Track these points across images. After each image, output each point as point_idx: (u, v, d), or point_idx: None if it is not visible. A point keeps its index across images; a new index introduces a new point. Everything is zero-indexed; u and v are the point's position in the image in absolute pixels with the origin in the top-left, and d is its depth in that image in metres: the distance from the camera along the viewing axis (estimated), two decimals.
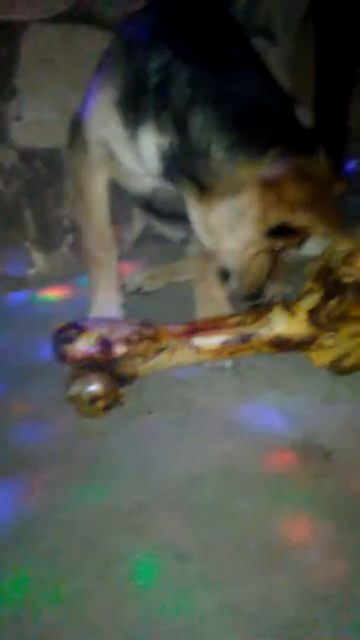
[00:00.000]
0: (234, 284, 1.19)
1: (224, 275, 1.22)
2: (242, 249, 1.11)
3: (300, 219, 1.02)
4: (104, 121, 1.17)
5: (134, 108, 1.11)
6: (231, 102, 1.04)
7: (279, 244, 1.11)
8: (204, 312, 1.25)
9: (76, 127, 1.26)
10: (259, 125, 1.03)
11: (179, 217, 1.37)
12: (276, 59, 1.88)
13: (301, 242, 1.12)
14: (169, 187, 1.19)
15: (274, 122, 1.04)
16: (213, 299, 1.26)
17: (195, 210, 1.13)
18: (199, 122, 1.04)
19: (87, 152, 1.24)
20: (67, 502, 0.90)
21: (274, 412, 1.09)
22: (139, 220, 1.79)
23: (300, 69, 1.93)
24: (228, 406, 1.11)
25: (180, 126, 1.07)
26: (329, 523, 0.86)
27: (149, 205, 1.43)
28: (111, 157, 1.21)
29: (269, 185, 1.01)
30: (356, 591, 0.75)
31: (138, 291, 1.53)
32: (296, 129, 1.07)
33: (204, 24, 1.15)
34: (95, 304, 1.31)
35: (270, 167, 1.01)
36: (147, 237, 1.79)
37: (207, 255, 1.25)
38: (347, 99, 1.76)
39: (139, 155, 1.16)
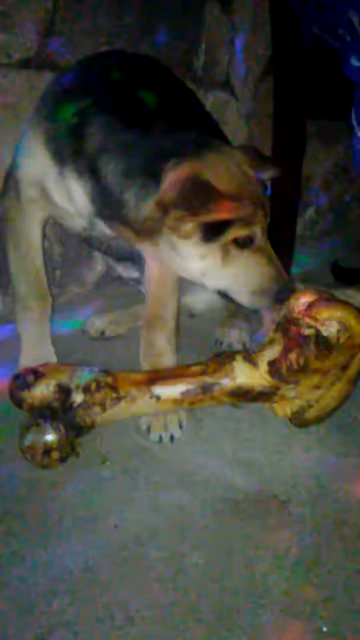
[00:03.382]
0: (235, 299, 1.17)
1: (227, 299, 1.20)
2: (200, 267, 1.11)
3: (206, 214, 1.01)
4: (34, 158, 1.17)
5: (59, 149, 1.12)
6: (139, 147, 1.05)
7: (230, 235, 1.08)
8: (147, 364, 1.22)
9: (10, 170, 1.25)
10: (164, 164, 1.03)
11: (125, 257, 1.38)
12: (235, 111, 1.96)
13: (247, 221, 1.08)
14: (105, 230, 1.19)
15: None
16: (157, 352, 1.22)
17: (144, 251, 1.16)
18: (110, 170, 1.06)
19: (20, 192, 1.22)
20: (8, 560, 0.85)
21: (230, 461, 1.08)
22: (101, 261, 1.79)
23: (258, 122, 2.01)
24: (183, 454, 1.09)
25: (95, 172, 1.08)
26: (284, 579, 0.84)
27: (90, 244, 1.40)
28: (45, 196, 1.20)
29: (164, 203, 1.02)
30: None
31: (101, 336, 1.51)
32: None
33: (129, 76, 1.17)
34: (26, 355, 1.24)
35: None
36: (109, 278, 1.79)
37: (152, 307, 1.26)
38: (301, 152, 1.84)
39: (69, 193, 1.16)
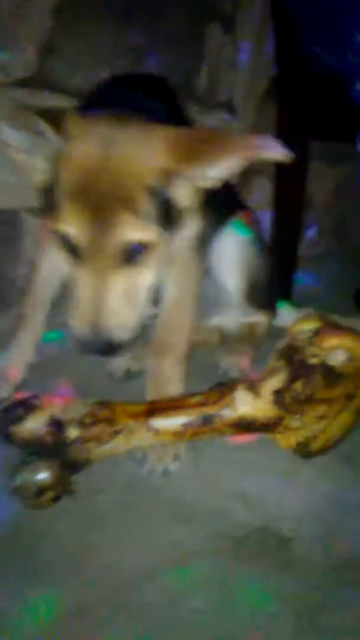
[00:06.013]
0: None
1: None
2: None
3: None
4: None
5: None
6: None
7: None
8: (153, 392, 1.16)
9: None
10: None
11: None
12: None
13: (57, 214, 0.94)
14: None
15: None
16: (164, 379, 1.17)
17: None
18: None
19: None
20: None
21: (231, 494, 1.03)
22: None
23: None
24: (182, 487, 1.04)
25: None
26: (289, 625, 0.79)
27: None
28: None
29: None
30: None
31: (127, 374, 1.39)
32: None
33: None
34: (4, 352, 1.29)
35: None
36: None
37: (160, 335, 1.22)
38: (303, 172, 1.82)
39: None
